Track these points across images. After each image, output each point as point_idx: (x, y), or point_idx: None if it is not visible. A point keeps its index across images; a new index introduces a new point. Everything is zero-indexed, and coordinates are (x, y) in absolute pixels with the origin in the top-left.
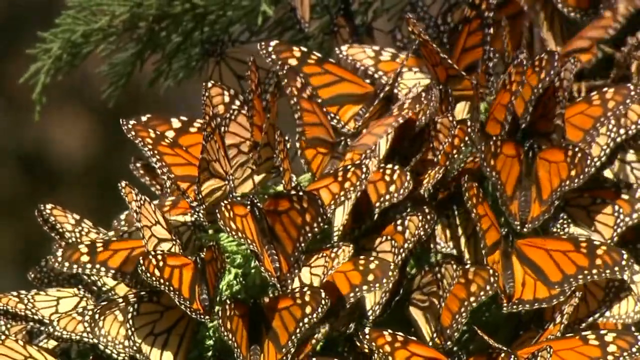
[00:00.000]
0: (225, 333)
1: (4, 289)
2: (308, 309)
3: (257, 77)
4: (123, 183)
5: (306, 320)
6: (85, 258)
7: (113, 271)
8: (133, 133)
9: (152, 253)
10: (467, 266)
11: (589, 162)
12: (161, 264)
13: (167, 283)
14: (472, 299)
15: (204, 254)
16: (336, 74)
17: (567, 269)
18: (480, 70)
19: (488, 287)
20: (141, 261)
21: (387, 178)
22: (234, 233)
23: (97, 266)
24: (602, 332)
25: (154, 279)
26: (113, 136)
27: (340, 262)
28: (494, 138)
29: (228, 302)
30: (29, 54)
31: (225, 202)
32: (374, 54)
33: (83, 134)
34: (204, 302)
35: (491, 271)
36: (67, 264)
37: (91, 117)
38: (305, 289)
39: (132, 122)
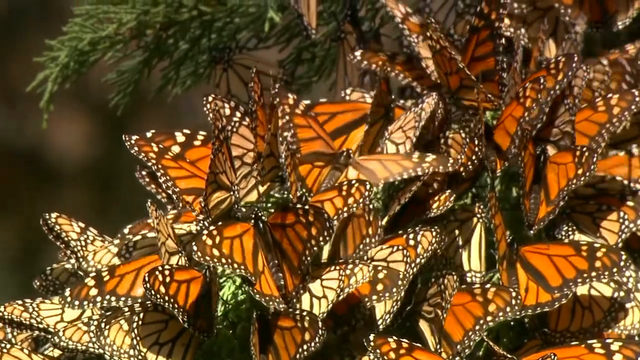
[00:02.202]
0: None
1: (3, 285)
2: (307, 336)
3: (260, 88)
4: (149, 202)
5: (305, 347)
6: (93, 292)
7: (123, 298)
8: (136, 148)
9: (159, 268)
10: (487, 285)
11: (595, 159)
12: (168, 279)
13: (171, 300)
14: (489, 318)
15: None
16: (329, 112)
17: (567, 273)
18: (494, 80)
19: (508, 309)
20: (146, 277)
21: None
22: (215, 261)
23: (107, 297)
24: (608, 340)
25: (158, 296)
26: (114, 135)
27: (358, 282)
28: (525, 130)
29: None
30: (30, 58)
31: (212, 228)
32: (405, 12)
33: (84, 133)
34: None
35: (514, 293)
36: (77, 302)
37: (92, 116)
38: (305, 313)
39: (134, 137)
